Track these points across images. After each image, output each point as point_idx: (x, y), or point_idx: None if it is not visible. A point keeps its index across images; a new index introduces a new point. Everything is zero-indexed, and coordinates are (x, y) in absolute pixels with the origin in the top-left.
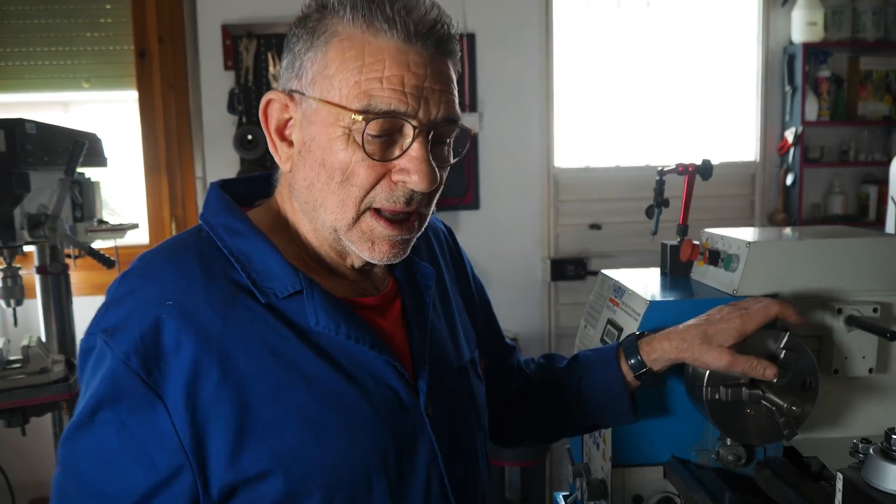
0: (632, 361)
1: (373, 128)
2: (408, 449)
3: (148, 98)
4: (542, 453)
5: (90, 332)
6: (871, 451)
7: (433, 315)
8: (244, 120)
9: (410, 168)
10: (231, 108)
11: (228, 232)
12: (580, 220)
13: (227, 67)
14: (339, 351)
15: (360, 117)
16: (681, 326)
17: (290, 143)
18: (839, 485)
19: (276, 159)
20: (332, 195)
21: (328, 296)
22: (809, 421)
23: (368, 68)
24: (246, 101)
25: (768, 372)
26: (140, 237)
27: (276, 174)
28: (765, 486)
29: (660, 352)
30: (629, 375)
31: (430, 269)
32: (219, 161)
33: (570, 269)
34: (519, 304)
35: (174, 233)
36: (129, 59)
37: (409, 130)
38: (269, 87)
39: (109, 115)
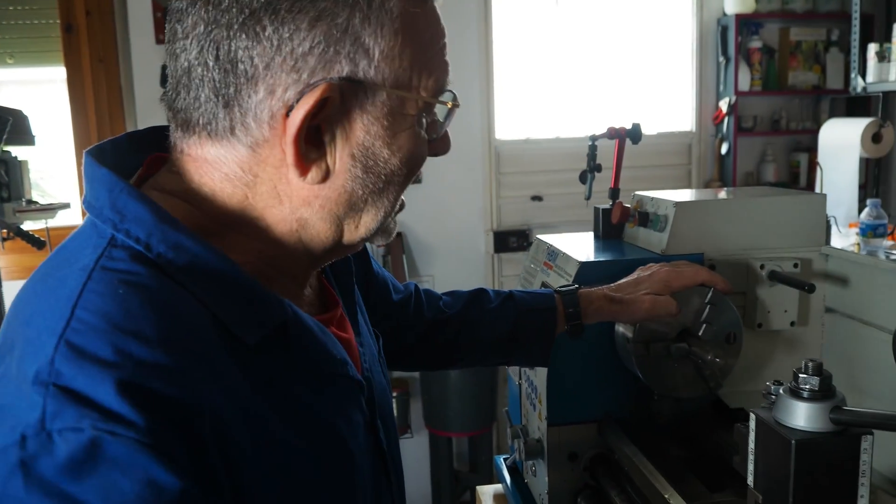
0: (570, 310)
1: (445, 111)
2: (372, 470)
3: (77, 74)
4: (490, 422)
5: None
6: (780, 391)
7: (359, 307)
8: None
9: (441, 148)
10: (164, 82)
11: (176, 253)
12: (522, 192)
13: (158, 41)
14: (326, 384)
15: (439, 102)
16: (613, 284)
17: (319, 146)
18: (752, 425)
19: (296, 172)
20: (391, 195)
21: (308, 321)
22: (735, 374)
23: (431, 42)
24: None
25: (671, 308)
26: (72, 217)
27: (170, 147)
28: (694, 439)
29: (595, 305)
30: (561, 324)
31: (346, 258)
32: None
33: (512, 241)
34: (463, 276)
35: None
36: (55, 34)
37: (454, 104)
38: None
39: (38, 95)
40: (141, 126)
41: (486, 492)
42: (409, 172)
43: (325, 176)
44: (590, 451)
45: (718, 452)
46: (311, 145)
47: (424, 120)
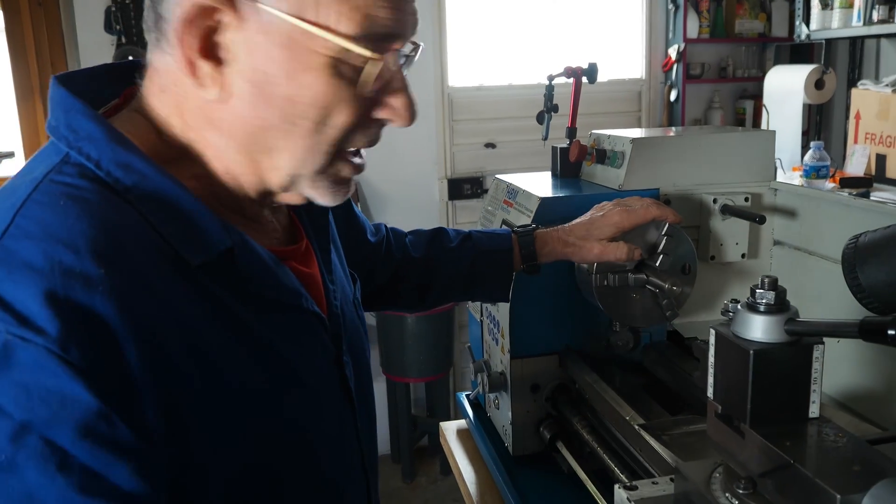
0: (525, 251)
1: (373, 61)
2: (331, 402)
3: (15, 18)
4: (447, 367)
5: None
6: (738, 307)
7: (333, 249)
8: (123, 40)
9: (398, 105)
10: (108, 27)
11: (126, 172)
12: (475, 140)
13: None
14: (274, 312)
15: (357, 47)
16: (567, 225)
17: (218, 63)
18: (711, 340)
19: (194, 83)
20: (298, 139)
21: (259, 251)
22: (689, 305)
23: None
24: (125, 20)
25: (637, 252)
26: (16, 166)
27: (139, 77)
28: (650, 367)
29: (549, 247)
30: (518, 263)
31: (323, 206)
32: None
33: (466, 188)
34: (417, 223)
35: None
36: None
37: (397, 58)
38: None
39: None
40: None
41: (450, 427)
42: (321, 120)
43: (220, 93)
44: (552, 382)
45: (675, 380)
46: (211, 60)
47: (346, 68)
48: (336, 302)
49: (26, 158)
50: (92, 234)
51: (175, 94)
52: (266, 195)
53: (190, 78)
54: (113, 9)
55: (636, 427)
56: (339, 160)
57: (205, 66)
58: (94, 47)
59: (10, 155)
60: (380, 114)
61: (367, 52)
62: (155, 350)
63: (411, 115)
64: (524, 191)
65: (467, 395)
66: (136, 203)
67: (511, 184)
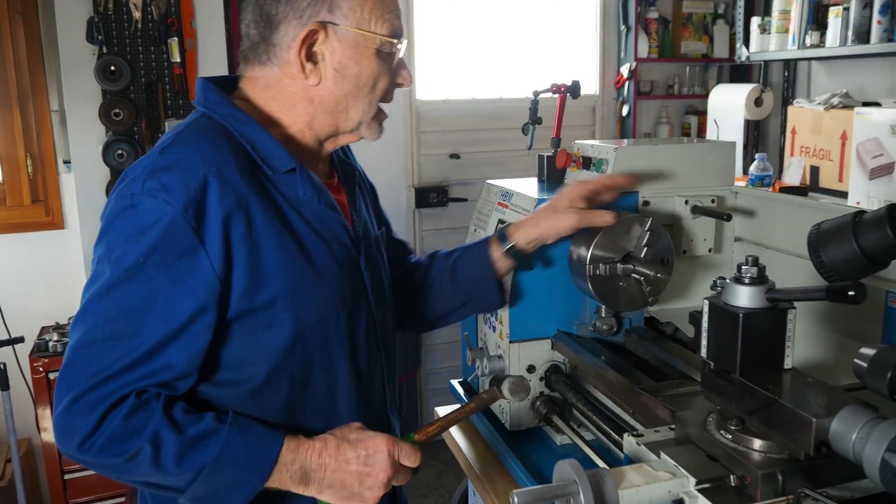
0: (502, 243)
1: (396, 47)
2: (356, 293)
3: None
4: (415, 368)
5: (133, 192)
6: (727, 282)
7: (360, 197)
8: (105, 50)
9: (405, 74)
10: (90, 37)
11: (236, 120)
12: (441, 150)
13: None
14: (316, 217)
15: (390, 40)
16: (535, 210)
17: (315, 63)
18: (705, 308)
19: (302, 76)
20: (363, 98)
21: (311, 174)
22: (665, 294)
23: (385, 3)
24: (106, 30)
25: (607, 216)
26: None
27: (239, 79)
28: (632, 348)
29: (522, 230)
30: (500, 257)
31: (354, 165)
32: (78, 93)
33: (433, 197)
34: None
35: (30, 170)
36: None
37: (401, 45)
38: (129, 16)
39: None
40: (66, 79)
41: (444, 412)
42: (374, 85)
43: (319, 80)
44: (546, 363)
45: (655, 357)
46: (312, 62)
47: (382, 52)
48: (358, 224)
49: (3, 167)
50: (211, 150)
51: (278, 89)
52: (331, 138)
53: (301, 74)
54: (95, 19)
55: (638, 389)
56: (379, 110)
57: (308, 66)
58: (76, 57)
59: None
60: (397, 79)
61: (395, 41)
62: (245, 208)
63: (410, 79)
64: (519, 193)
65: (460, 383)
66: (240, 136)
67: (504, 187)
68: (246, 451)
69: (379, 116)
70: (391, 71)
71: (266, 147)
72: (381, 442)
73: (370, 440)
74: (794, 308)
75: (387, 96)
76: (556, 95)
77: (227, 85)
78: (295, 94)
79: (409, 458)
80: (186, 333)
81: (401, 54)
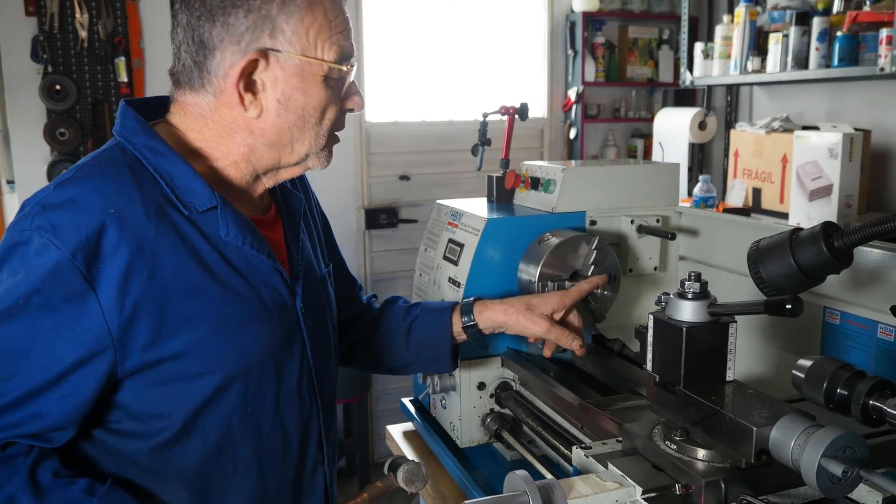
0: (464, 318)
1: (346, 72)
2: (288, 341)
3: None
4: (366, 389)
5: (22, 229)
6: (671, 297)
7: (303, 233)
8: (50, 69)
9: (357, 99)
10: (35, 56)
11: (151, 152)
12: (391, 172)
13: (28, 13)
14: (241, 259)
15: (339, 67)
16: (509, 298)
17: (255, 94)
18: (650, 324)
19: (241, 109)
20: (309, 130)
21: (236, 212)
22: (612, 311)
23: (333, 23)
24: (52, 49)
25: (575, 343)
26: None
27: (170, 101)
28: (580, 364)
29: (488, 313)
30: (458, 327)
31: (300, 196)
32: (22, 112)
33: (382, 218)
34: None
35: None
36: None
37: (352, 68)
38: (76, 35)
39: None
40: (9, 98)
41: (395, 430)
42: (322, 115)
43: (260, 112)
44: (495, 381)
45: (602, 372)
46: (251, 92)
47: (331, 79)
48: (299, 262)
49: None
50: (114, 188)
51: (213, 118)
52: (271, 173)
53: (239, 106)
54: (40, 38)
55: (586, 404)
56: (331, 138)
57: (248, 97)
58: (20, 75)
59: None
60: (348, 105)
61: (343, 68)
62: (149, 255)
63: (362, 103)
64: (469, 213)
65: (411, 401)
66: (154, 170)
67: (454, 207)
68: None
69: (329, 144)
70: (341, 97)
71: (184, 182)
72: None
73: None
74: (735, 322)
75: (337, 124)
76: (505, 117)
77: (159, 107)
78: (232, 124)
79: None
80: (65, 383)
81: (351, 77)
